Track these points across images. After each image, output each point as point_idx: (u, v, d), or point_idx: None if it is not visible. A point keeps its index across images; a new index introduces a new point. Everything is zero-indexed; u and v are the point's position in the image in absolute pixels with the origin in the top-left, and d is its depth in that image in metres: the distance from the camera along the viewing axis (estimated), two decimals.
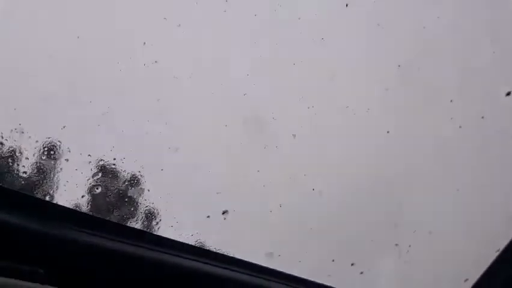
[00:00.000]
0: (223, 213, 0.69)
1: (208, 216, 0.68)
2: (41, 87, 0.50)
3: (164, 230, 0.62)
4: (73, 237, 0.52)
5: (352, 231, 0.88)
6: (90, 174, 0.54)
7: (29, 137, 0.49)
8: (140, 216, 0.60)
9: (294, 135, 0.70)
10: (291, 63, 0.63)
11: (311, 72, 0.67)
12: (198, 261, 0.66)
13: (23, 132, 0.48)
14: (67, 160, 0.51)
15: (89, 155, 0.53)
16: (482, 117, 0.91)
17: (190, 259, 0.65)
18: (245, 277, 0.73)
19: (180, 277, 0.65)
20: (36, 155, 0.50)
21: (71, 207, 0.53)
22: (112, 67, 0.53)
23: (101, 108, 0.53)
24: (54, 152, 0.51)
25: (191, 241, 0.66)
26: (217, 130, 0.62)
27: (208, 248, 0.68)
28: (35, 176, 0.51)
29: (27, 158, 0.49)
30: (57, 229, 0.51)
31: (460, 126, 0.89)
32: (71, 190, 0.54)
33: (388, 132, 0.81)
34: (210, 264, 0.68)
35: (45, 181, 0.52)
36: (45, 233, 0.50)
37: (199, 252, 0.68)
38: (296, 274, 0.84)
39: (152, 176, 0.59)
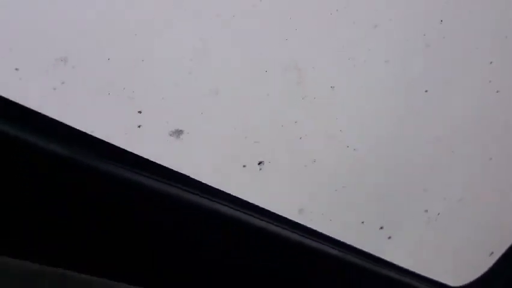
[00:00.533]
0: (259, 163, 0.68)
1: (244, 166, 0.67)
2: (84, 18, 0.49)
3: (201, 175, 0.61)
4: (107, 169, 0.52)
5: (383, 193, 0.87)
6: (132, 110, 0.54)
7: (73, 67, 0.48)
8: (178, 160, 0.59)
9: (333, 87, 0.69)
10: (334, 10, 0.61)
11: (353, 21, 0.65)
12: (231, 208, 0.66)
13: (66, 62, 0.47)
14: (109, 94, 0.51)
15: (132, 92, 0.52)
16: None
17: (221, 203, 0.65)
18: (277, 229, 0.73)
19: (214, 223, 0.65)
20: (79, 86, 0.50)
21: (110, 141, 0.53)
22: (156, 2, 0.52)
23: (144, 43, 0.52)
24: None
25: (226, 189, 0.65)
26: (257, 75, 0.61)
27: (242, 198, 0.68)
28: (76, 108, 0.50)
29: (63, 83, 0.49)
30: (93, 160, 0.50)
31: (497, 91, 0.87)
32: (112, 124, 0.53)
33: (426, 91, 0.79)
34: (243, 213, 0.68)
35: (87, 114, 0.51)
36: (78, 161, 0.49)
37: (234, 200, 0.67)
38: (326, 233, 0.83)
39: (192, 118, 0.59)
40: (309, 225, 0.79)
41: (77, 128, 0.50)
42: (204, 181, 0.63)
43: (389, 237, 0.95)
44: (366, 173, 0.81)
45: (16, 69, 0.46)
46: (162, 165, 0.58)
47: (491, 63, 0.83)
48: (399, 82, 0.75)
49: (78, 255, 0.55)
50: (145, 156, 0.56)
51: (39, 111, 0.47)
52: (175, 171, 0.60)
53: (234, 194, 0.67)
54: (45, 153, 0.47)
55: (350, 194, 0.82)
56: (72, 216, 0.52)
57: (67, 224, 0.53)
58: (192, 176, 0.61)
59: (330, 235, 0.84)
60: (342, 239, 0.86)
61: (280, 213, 0.74)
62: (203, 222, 0.64)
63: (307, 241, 0.79)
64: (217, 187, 0.65)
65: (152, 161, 0.57)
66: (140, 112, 0.54)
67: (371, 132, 0.77)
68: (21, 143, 0.46)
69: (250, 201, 0.70)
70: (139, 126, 0.54)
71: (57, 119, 0.48)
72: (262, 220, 0.71)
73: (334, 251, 0.85)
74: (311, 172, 0.74)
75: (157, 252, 0.60)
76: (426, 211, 0.97)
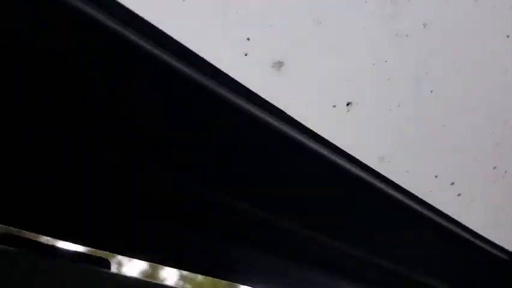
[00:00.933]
0: (347, 104, 0.68)
1: (334, 106, 0.67)
2: None
3: (293, 110, 0.62)
4: (210, 87, 0.52)
5: (458, 145, 0.88)
6: (243, 35, 0.54)
7: None
8: (275, 92, 0.60)
9: (425, 25, 0.69)
10: None
11: None
12: (318, 146, 0.67)
13: None
14: (224, 15, 0.51)
15: (245, 15, 0.52)
16: None
17: (308, 139, 0.66)
18: (359, 173, 0.74)
19: (301, 158, 0.66)
20: (199, 4, 0.50)
21: (216, 64, 0.53)
22: None
23: None
24: None
25: (313, 127, 0.65)
26: (356, 5, 0.61)
27: (326, 138, 0.68)
28: (190, 25, 0.50)
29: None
30: (196, 76, 0.51)
31: None
32: (221, 48, 0.53)
33: (508, 36, 0.79)
34: (329, 152, 0.69)
35: (201, 32, 0.51)
36: (182, 74, 0.50)
37: (321, 140, 0.68)
38: (402, 184, 0.84)
39: (293, 50, 0.59)
40: (387, 175, 0.80)
41: (187, 46, 0.50)
42: (295, 117, 0.63)
43: (459, 195, 0.96)
44: (444, 122, 0.81)
45: None
46: (259, 95, 0.58)
47: None
48: (484, 25, 0.75)
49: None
50: (246, 85, 0.57)
51: (154, 23, 0.47)
52: (270, 103, 0.60)
53: (320, 134, 0.67)
54: (152, 60, 0.47)
55: (428, 144, 0.82)
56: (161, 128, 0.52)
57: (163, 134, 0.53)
58: (284, 110, 0.61)
59: (405, 187, 0.84)
60: (415, 192, 0.87)
61: (361, 159, 0.75)
62: (291, 155, 0.64)
63: (387, 190, 0.80)
64: (306, 124, 0.65)
65: (251, 90, 0.57)
66: (248, 39, 0.54)
67: (452, 77, 0.77)
68: (136, 51, 0.46)
69: (336, 143, 0.70)
70: (245, 55, 0.54)
71: (168, 33, 0.48)
72: (346, 163, 0.72)
73: (409, 203, 0.86)
74: (395, 117, 0.74)
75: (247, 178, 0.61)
76: (494, 168, 0.98)
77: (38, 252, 0.45)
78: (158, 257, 0.64)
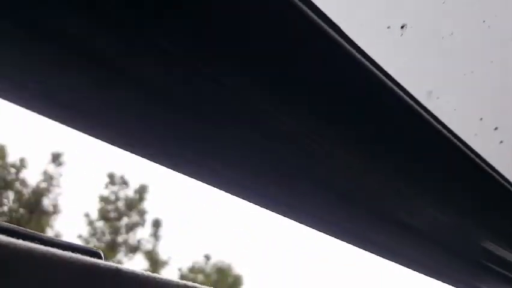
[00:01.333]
0: (402, 27, 0.66)
1: (389, 27, 0.65)
2: None
3: (343, 21, 0.59)
4: None
5: (504, 85, 0.85)
6: None
7: None
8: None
9: None
10: None
11: None
12: (367, 64, 0.65)
13: None
14: None
15: None
16: None
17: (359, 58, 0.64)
18: (411, 105, 0.72)
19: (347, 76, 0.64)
20: None
21: None
22: None
23: None
24: None
25: (367, 48, 0.63)
26: None
27: (376, 61, 0.66)
28: None
29: None
30: None
31: None
32: None
33: None
34: (382, 75, 0.66)
35: None
36: None
37: (371, 61, 0.66)
38: (447, 123, 0.81)
39: None
40: (433, 110, 0.77)
41: None
42: (347, 33, 0.61)
43: (501, 142, 0.93)
44: (493, 58, 0.79)
45: None
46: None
47: None
48: None
49: None
50: None
51: None
52: (323, 12, 0.57)
53: (370, 55, 0.65)
54: None
55: (476, 81, 0.80)
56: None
57: None
58: (338, 24, 0.59)
59: (451, 126, 0.82)
60: (460, 133, 0.85)
61: (410, 91, 0.72)
62: (339, 69, 0.62)
63: (434, 124, 0.78)
64: (358, 43, 0.63)
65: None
66: None
67: (505, 7, 0.74)
68: None
69: (387, 69, 0.68)
70: None
71: None
72: (395, 87, 0.70)
73: (454, 141, 0.84)
74: (447, 46, 0.72)
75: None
76: None
77: (32, 243, 0.44)
78: None
